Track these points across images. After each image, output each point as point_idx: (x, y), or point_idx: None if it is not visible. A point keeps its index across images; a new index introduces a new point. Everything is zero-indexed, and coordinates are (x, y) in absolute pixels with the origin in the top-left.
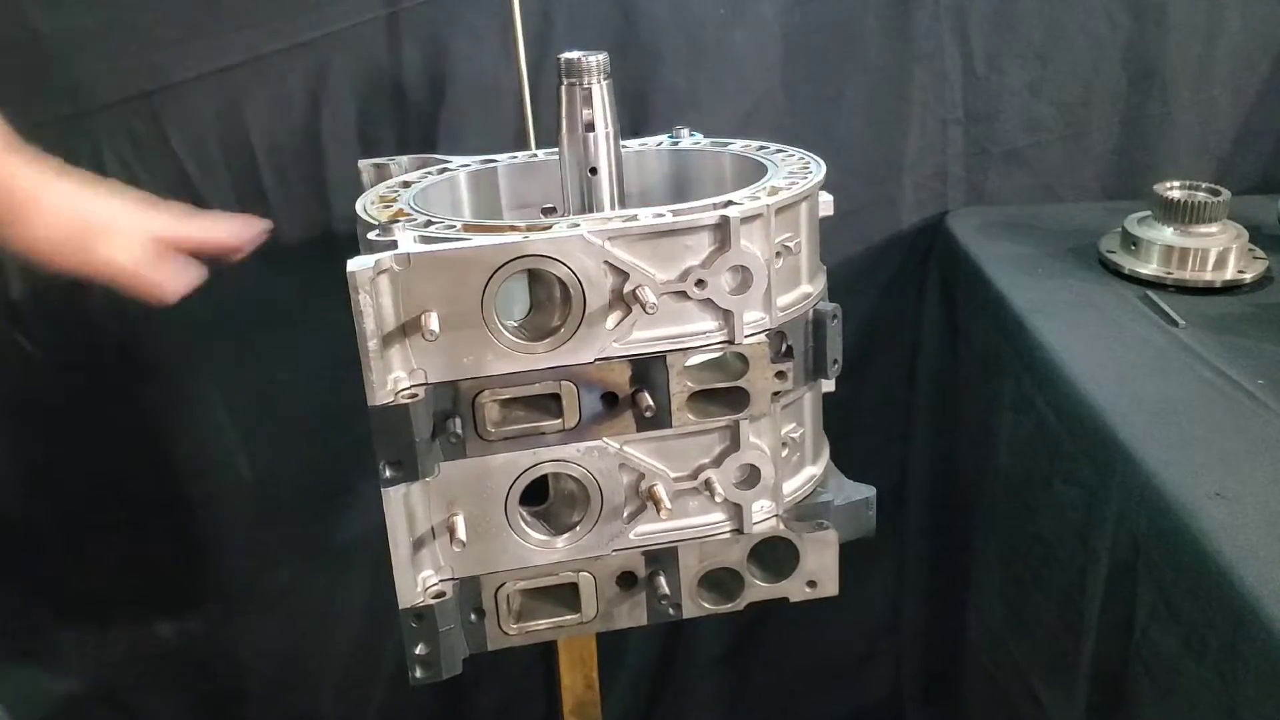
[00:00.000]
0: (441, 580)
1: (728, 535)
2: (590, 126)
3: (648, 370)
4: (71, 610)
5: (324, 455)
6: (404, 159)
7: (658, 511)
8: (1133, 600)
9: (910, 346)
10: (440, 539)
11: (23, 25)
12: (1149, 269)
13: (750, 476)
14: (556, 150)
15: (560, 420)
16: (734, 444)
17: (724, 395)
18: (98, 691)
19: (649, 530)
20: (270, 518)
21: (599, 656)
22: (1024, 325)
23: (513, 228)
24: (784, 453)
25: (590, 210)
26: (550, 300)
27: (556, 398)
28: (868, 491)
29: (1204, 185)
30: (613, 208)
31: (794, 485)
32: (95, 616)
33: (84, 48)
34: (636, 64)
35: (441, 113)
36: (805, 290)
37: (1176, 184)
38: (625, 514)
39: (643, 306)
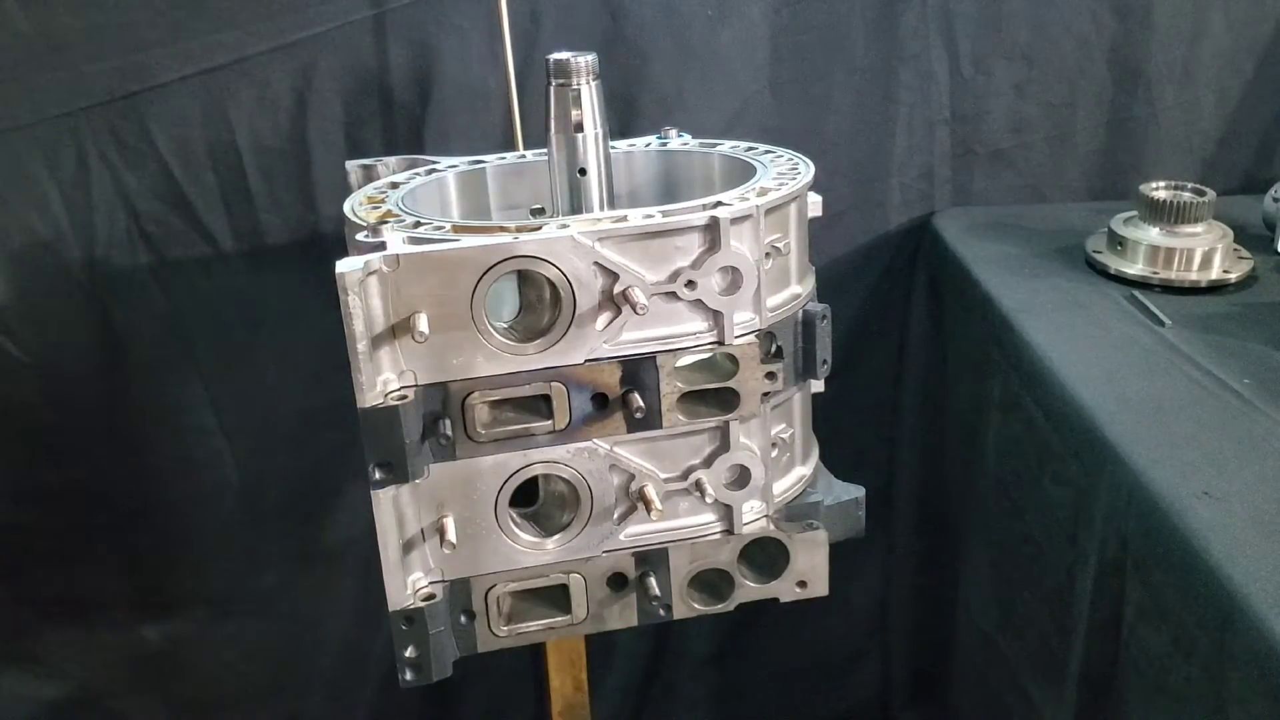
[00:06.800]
0: (431, 582)
1: (718, 536)
2: (579, 127)
3: (638, 371)
4: (57, 614)
5: (312, 457)
6: (391, 160)
7: (648, 512)
8: (1121, 599)
9: (898, 347)
10: (430, 541)
11: (7, 26)
12: (1135, 269)
13: (740, 477)
14: (545, 151)
15: (550, 421)
16: (724, 444)
17: (714, 396)
18: (84, 695)
19: (639, 531)
20: (258, 520)
21: (588, 658)
22: (1011, 325)
23: (502, 229)
24: (774, 453)
25: (579, 211)
26: (540, 301)
27: (547, 399)
28: (857, 491)
29: (1189, 185)
30: (602, 209)
31: (784, 486)
32: (81, 620)
33: (68, 48)
34: (624, 65)
35: (429, 114)
36: (795, 291)
37: (1162, 184)
38: (616, 515)
39: (633, 307)
